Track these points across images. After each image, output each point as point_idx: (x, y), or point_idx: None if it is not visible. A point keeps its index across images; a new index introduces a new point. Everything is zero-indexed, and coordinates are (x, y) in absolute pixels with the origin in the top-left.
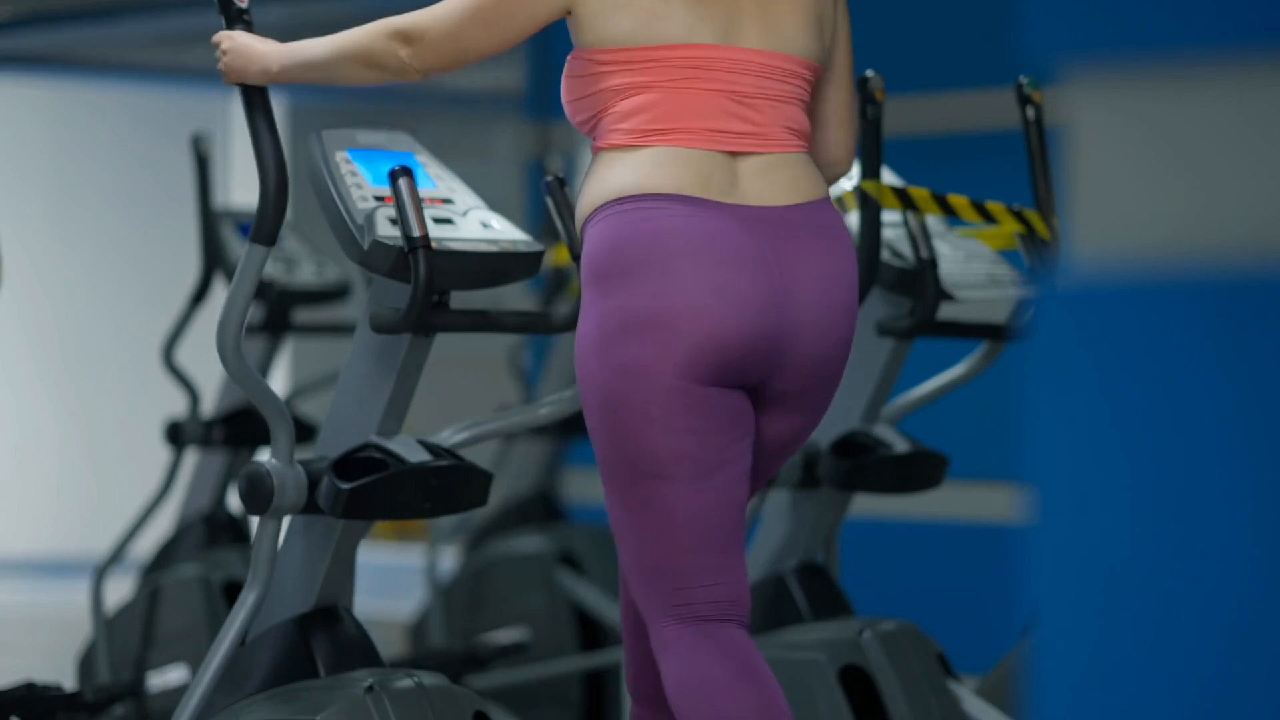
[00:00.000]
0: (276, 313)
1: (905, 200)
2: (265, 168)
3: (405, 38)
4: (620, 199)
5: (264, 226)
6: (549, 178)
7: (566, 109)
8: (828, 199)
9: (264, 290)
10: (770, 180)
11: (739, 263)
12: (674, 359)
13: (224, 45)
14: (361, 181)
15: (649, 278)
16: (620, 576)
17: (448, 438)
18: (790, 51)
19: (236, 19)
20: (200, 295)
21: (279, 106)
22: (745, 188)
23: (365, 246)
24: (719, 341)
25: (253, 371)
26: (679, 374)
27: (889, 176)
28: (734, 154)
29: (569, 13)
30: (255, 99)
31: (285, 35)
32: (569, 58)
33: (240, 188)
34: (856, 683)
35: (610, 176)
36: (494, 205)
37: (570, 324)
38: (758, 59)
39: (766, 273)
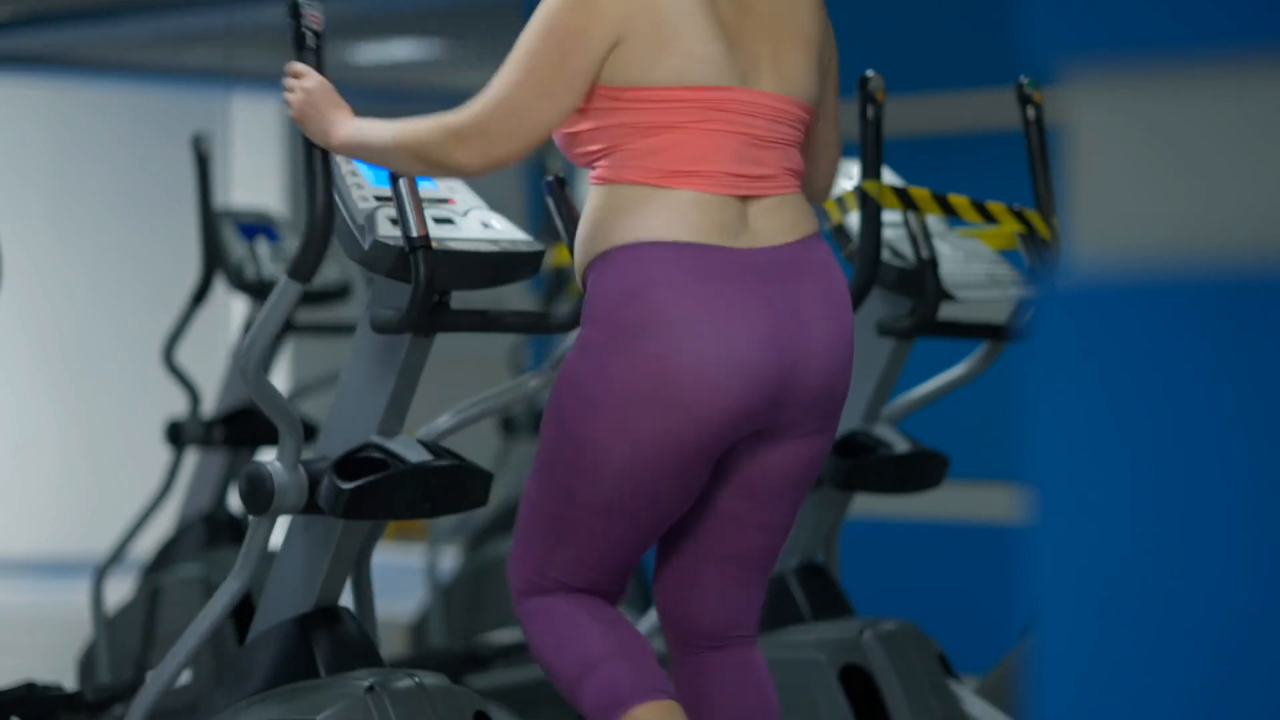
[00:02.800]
0: None
1: (906, 200)
2: (314, 207)
3: (460, 138)
4: (636, 244)
5: (304, 265)
6: (549, 178)
7: (568, 138)
8: (819, 233)
9: (265, 290)
10: (774, 220)
11: (753, 316)
12: (686, 436)
13: (301, 84)
14: (362, 181)
15: (665, 340)
16: (515, 603)
17: (443, 423)
18: (796, 95)
19: (308, 51)
20: (201, 295)
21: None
22: (754, 228)
23: (366, 246)
24: (728, 417)
25: (272, 388)
26: (690, 450)
27: (889, 176)
28: (744, 197)
29: (613, 48)
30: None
31: (285, 35)
32: None
33: (241, 188)
34: (857, 683)
35: (627, 218)
36: (494, 205)
37: (570, 324)
38: (769, 102)
39: (776, 319)
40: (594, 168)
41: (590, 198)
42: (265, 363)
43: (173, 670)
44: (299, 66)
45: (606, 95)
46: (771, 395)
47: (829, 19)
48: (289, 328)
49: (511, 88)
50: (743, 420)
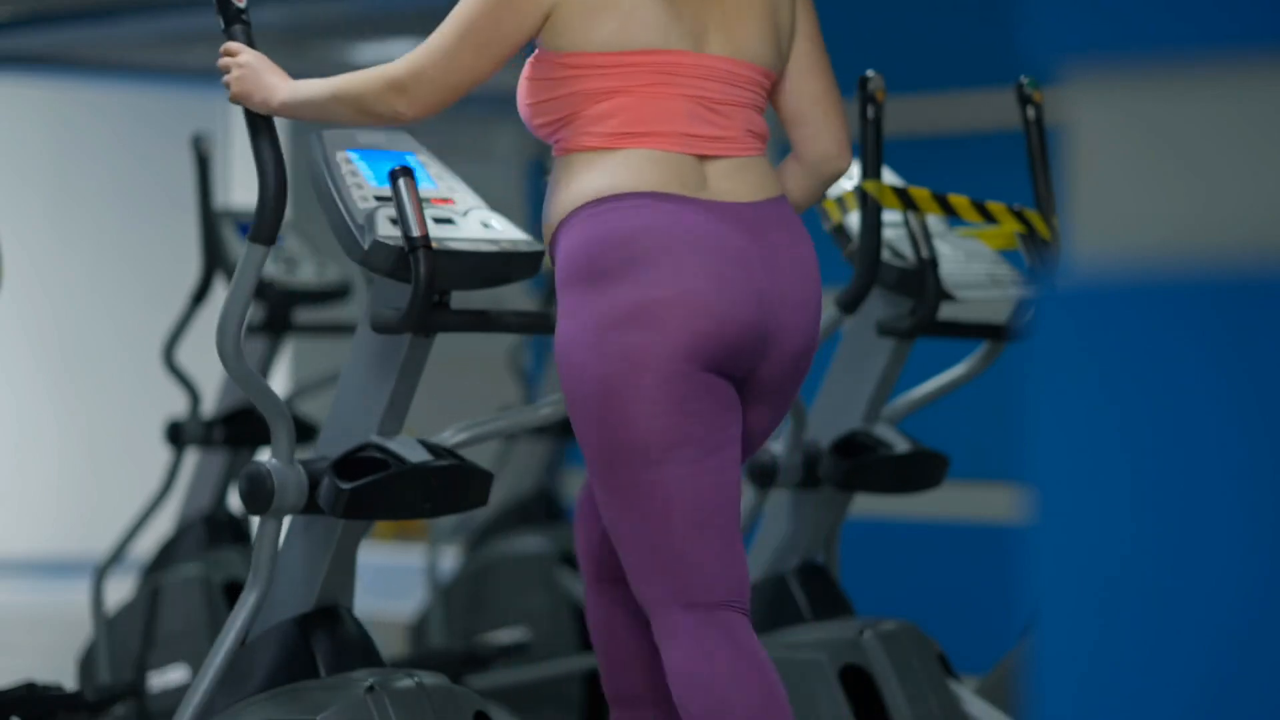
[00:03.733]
0: (277, 313)
1: (906, 200)
2: (264, 168)
3: (400, 87)
4: (600, 199)
5: (263, 226)
6: (549, 177)
7: (526, 110)
8: (785, 196)
9: (265, 290)
10: (737, 180)
11: (725, 253)
12: (675, 343)
13: (237, 60)
14: (362, 181)
15: (641, 268)
16: (584, 580)
17: (448, 438)
18: (750, 59)
19: (235, 20)
20: (201, 295)
21: None
22: (715, 187)
23: (366, 246)
24: (717, 327)
25: (252, 371)
26: (680, 357)
27: (889, 176)
28: (703, 157)
29: (547, 16)
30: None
31: (285, 34)
32: (532, 60)
33: (240, 188)
34: (857, 683)
35: (587, 178)
36: (494, 205)
37: None
38: (722, 65)
39: (750, 266)
40: (555, 140)
41: (556, 168)
42: (240, 339)
43: (206, 689)
44: (233, 45)
45: (555, 63)
46: (757, 330)
47: None
48: (287, 327)
49: (449, 43)
50: (731, 340)
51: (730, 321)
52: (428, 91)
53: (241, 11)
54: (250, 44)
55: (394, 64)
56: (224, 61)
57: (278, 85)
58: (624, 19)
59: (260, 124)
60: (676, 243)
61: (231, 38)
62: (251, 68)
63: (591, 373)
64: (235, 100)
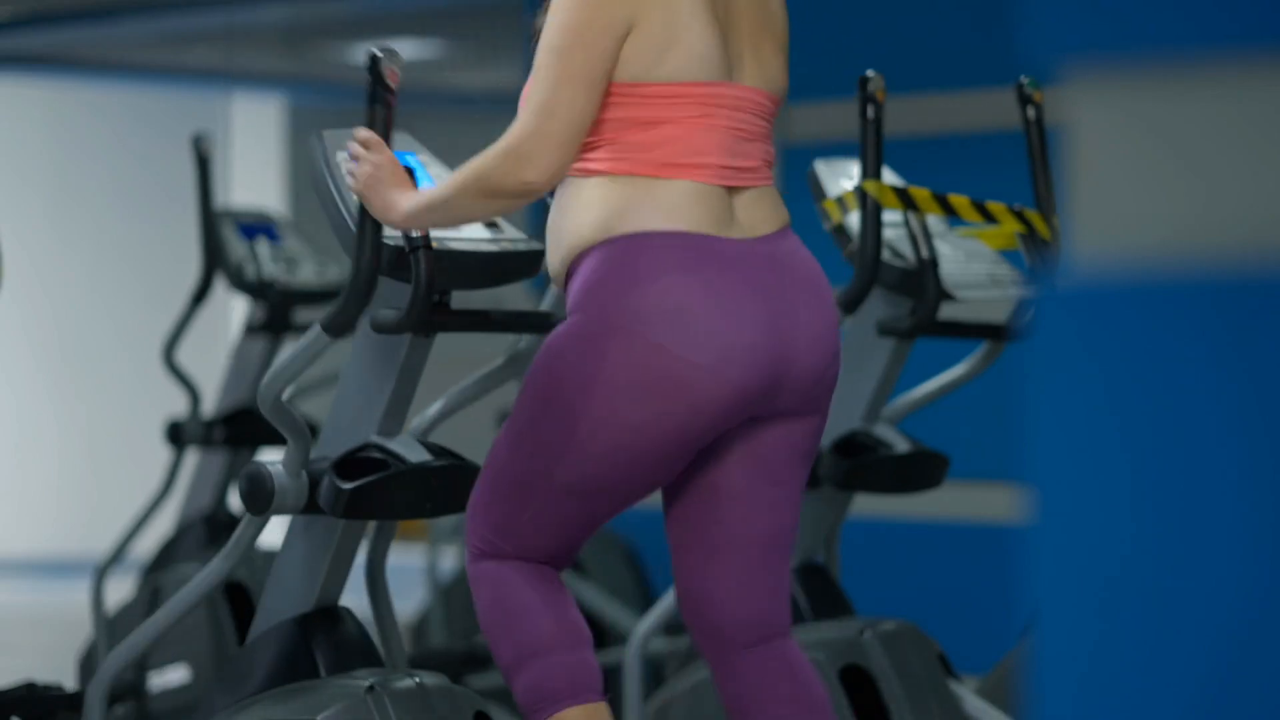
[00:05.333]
0: (277, 312)
1: (906, 200)
2: (359, 262)
3: (522, 156)
4: (644, 234)
5: (339, 319)
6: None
7: None
8: (790, 224)
9: (265, 290)
10: (756, 211)
11: (752, 305)
12: (679, 423)
13: (370, 158)
14: None
15: (668, 328)
16: (471, 567)
17: (429, 416)
18: (772, 89)
19: (378, 100)
20: (201, 295)
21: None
22: (741, 219)
23: None
24: (725, 406)
25: (288, 410)
26: (681, 439)
27: (890, 176)
28: (731, 188)
29: (625, 36)
30: None
31: (285, 35)
32: None
33: (240, 188)
34: (857, 683)
35: (622, 207)
36: None
37: None
38: (752, 96)
39: (771, 307)
40: (586, 159)
41: (576, 188)
42: (282, 395)
43: (132, 644)
44: (368, 135)
45: (612, 90)
46: (768, 383)
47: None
48: (287, 327)
49: (552, 89)
50: (737, 408)
51: (744, 392)
52: (551, 148)
53: (389, 92)
54: (387, 132)
55: (505, 137)
56: (355, 150)
57: (398, 203)
58: (690, 52)
59: (368, 229)
60: (700, 307)
61: (370, 117)
62: (382, 171)
63: (571, 397)
64: (355, 194)
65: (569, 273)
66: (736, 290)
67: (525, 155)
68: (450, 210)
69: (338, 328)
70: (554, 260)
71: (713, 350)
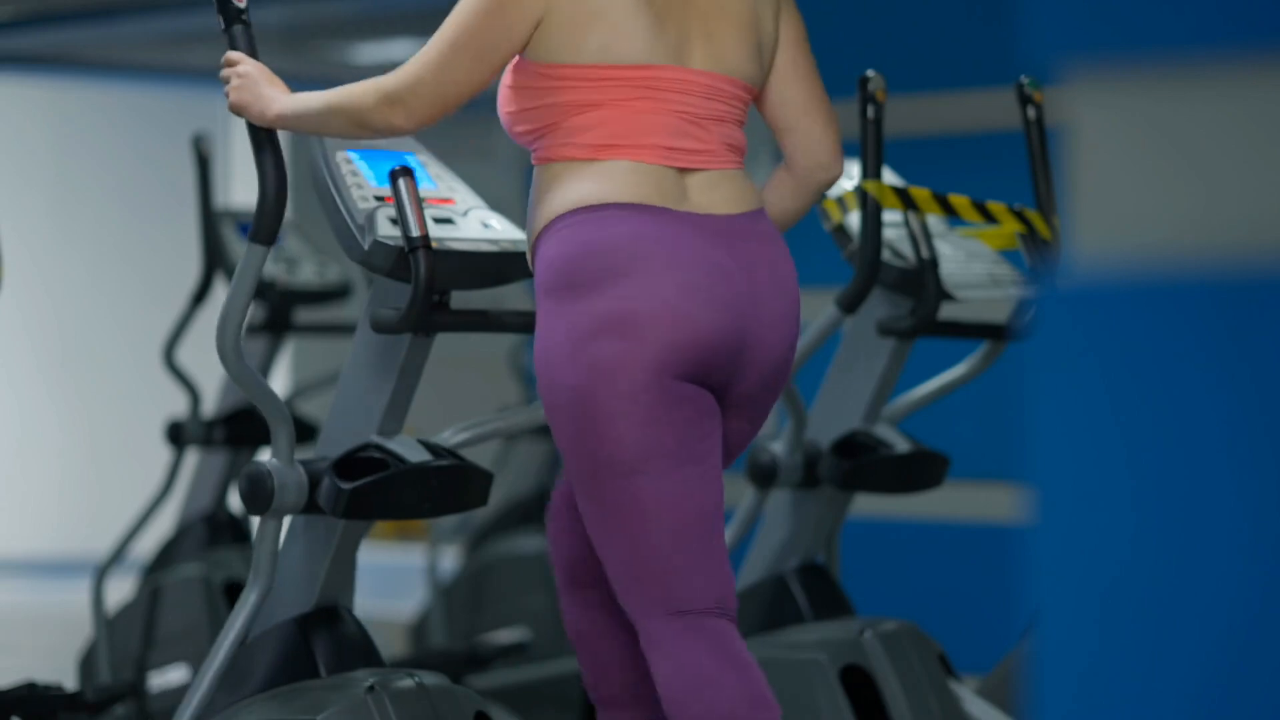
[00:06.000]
0: (278, 312)
1: (906, 200)
2: (263, 168)
3: (394, 100)
4: (580, 208)
5: (263, 226)
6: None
7: (507, 117)
8: (764, 210)
9: (265, 290)
10: (716, 193)
11: (703, 265)
12: (649, 354)
13: (236, 70)
14: (362, 181)
15: (620, 279)
16: (559, 587)
17: (448, 438)
18: (731, 73)
19: (234, 20)
20: (201, 295)
21: None
22: (695, 200)
23: (366, 246)
24: (692, 338)
25: (252, 371)
26: (654, 368)
27: (890, 176)
28: (683, 170)
29: (536, 26)
30: None
31: (285, 35)
32: (513, 68)
33: (241, 188)
34: (858, 683)
35: (568, 188)
36: (494, 205)
37: None
38: (704, 80)
39: (727, 278)
40: (534, 148)
41: (536, 176)
42: (240, 339)
43: (206, 690)
44: (233, 54)
45: (538, 73)
46: (733, 340)
47: None
48: (287, 327)
49: (442, 54)
50: (706, 350)
51: (706, 333)
52: (423, 104)
53: (241, 12)
54: (251, 47)
55: (388, 76)
56: (225, 72)
57: (275, 97)
58: (611, 33)
59: (261, 135)
60: (654, 255)
61: (231, 39)
62: (250, 78)
63: (567, 383)
64: (233, 110)
65: (534, 252)
66: (692, 252)
67: (398, 101)
68: (320, 125)
69: (265, 235)
70: (528, 254)
71: (670, 293)
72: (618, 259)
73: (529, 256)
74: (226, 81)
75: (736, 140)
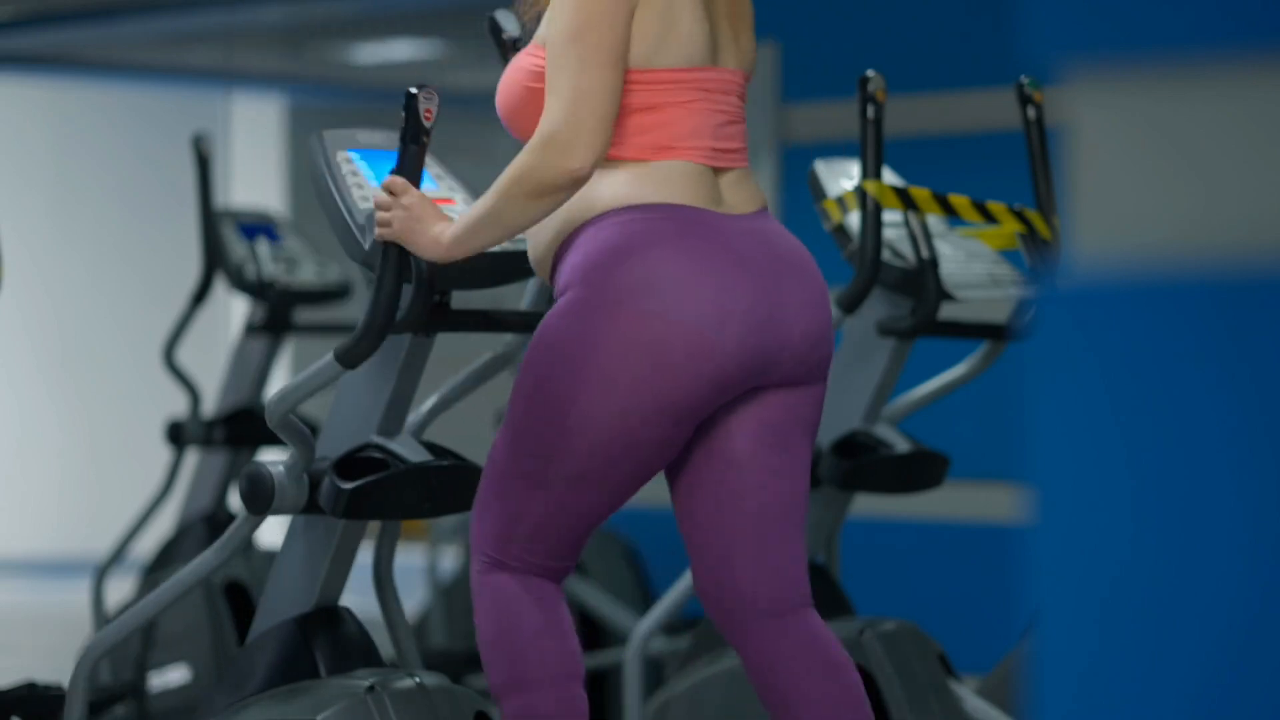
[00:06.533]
0: (278, 312)
1: (906, 200)
2: (378, 295)
3: (560, 145)
4: (635, 206)
5: (354, 351)
6: None
7: (527, 115)
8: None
9: (265, 290)
10: (740, 192)
11: (744, 277)
12: (669, 395)
13: (399, 203)
14: (362, 181)
15: (661, 297)
16: (477, 562)
17: (421, 415)
18: (747, 70)
19: (413, 140)
20: (201, 295)
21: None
22: (727, 199)
23: (366, 246)
24: (719, 377)
25: (295, 424)
26: (667, 409)
27: (890, 176)
28: (717, 170)
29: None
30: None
31: (285, 35)
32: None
33: (241, 188)
34: None
35: (623, 183)
36: None
37: None
38: (733, 79)
39: (762, 282)
40: None
41: None
42: (292, 411)
43: (118, 628)
44: (398, 182)
45: None
46: (762, 351)
47: None
48: (287, 327)
49: (578, 73)
50: (734, 376)
51: (730, 358)
52: (588, 132)
53: (424, 132)
54: (418, 171)
55: (539, 131)
56: (384, 199)
57: (441, 234)
58: (687, 39)
59: (391, 259)
60: (693, 268)
61: (401, 163)
62: (413, 217)
63: (564, 377)
64: (384, 240)
65: (557, 257)
66: (726, 260)
67: (564, 144)
68: (500, 220)
69: (351, 362)
70: (538, 247)
71: (704, 315)
72: (659, 272)
73: (549, 248)
74: (383, 210)
75: (746, 138)
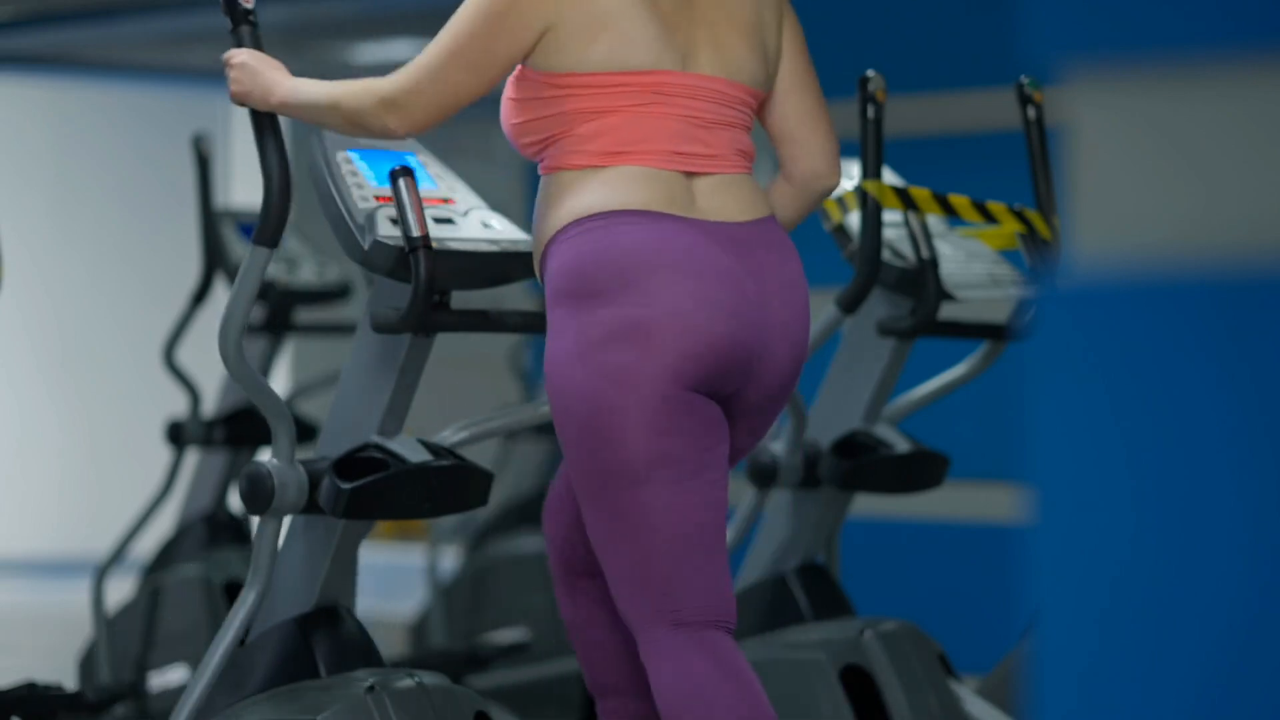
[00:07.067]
0: (278, 313)
1: (906, 200)
2: (268, 169)
3: (391, 104)
4: (590, 216)
5: (267, 228)
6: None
7: (512, 129)
8: (774, 216)
9: (265, 290)
10: (725, 198)
11: (715, 274)
12: (660, 364)
13: (234, 61)
14: (362, 181)
15: (632, 288)
16: (555, 577)
17: (448, 437)
18: (737, 78)
19: (241, 21)
20: (201, 295)
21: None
22: (703, 205)
23: (366, 246)
24: (704, 347)
25: (253, 371)
26: (665, 378)
27: (890, 176)
28: (690, 174)
29: (541, 36)
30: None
31: (285, 35)
32: (515, 79)
33: (241, 188)
34: (858, 683)
35: (577, 196)
36: (495, 205)
37: None
38: (710, 85)
39: (739, 284)
40: (541, 158)
41: (544, 185)
42: (241, 340)
43: (203, 689)
44: (234, 50)
45: (544, 83)
46: (744, 349)
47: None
48: (287, 327)
49: (441, 61)
50: (718, 358)
51: (718, 342)
52: (418, 109)
53: (249, 13)
54: (257, 47)
55: (387, 79)
56: (228, 70)
57: (278, 82)
58: (618, 40)
59: (265, 123)
60: (666, 262)
61: (237, 40)
62: (249, 67)
63: (577, 391)
64: (235, 100)
65: (543, 261)
66: (703, 260)
67: (394, 105)
68: (317, 115)
69: (268, 237)
70: (535, 257)
71: (684, 302)
72: (629, 267)
73: (536, 265)
74: (228, 76)
75: (745, 145)
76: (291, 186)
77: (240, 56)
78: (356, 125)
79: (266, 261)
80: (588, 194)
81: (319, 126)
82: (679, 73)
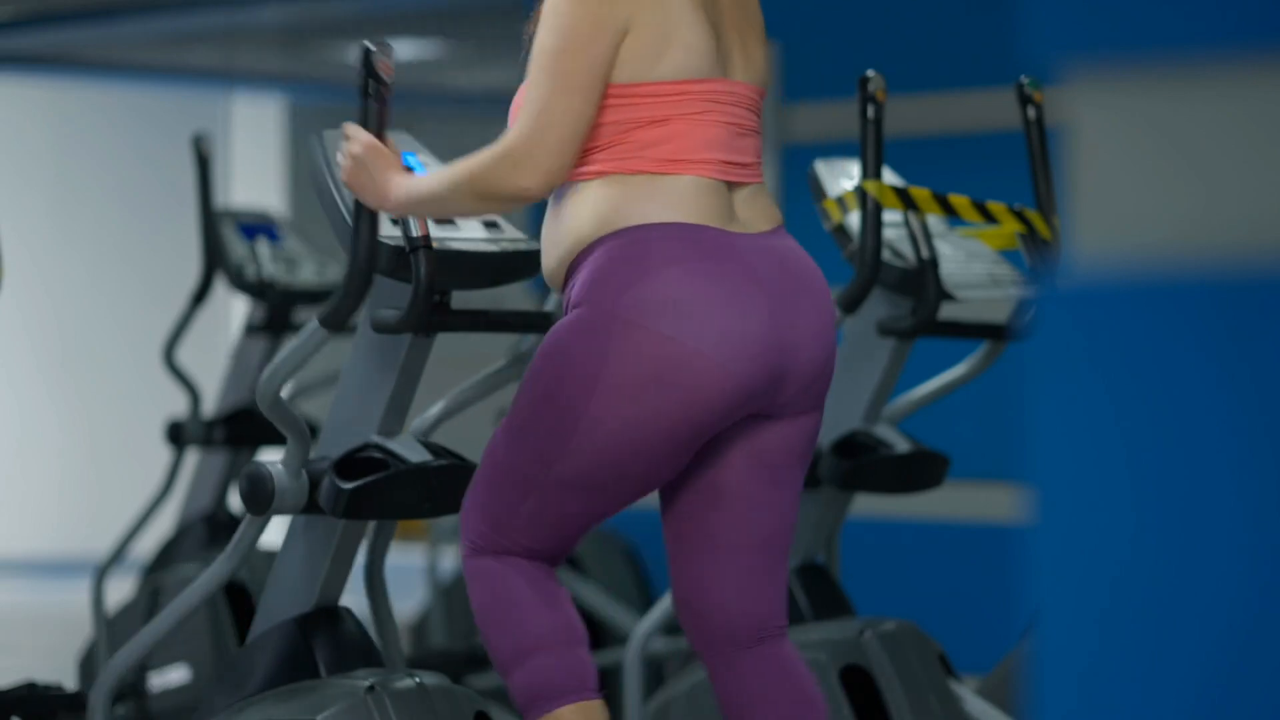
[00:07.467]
0: (278, 312)
1: (906, 200)
2: (355, 254)
3: (515, 161)
4: (650, 225)
5: (337, 313)
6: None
7: None
8: (783, 222)
9: (265, 290)
10: (754, 208)
11: (755, 297)
12: (678, 416)
13: (353, 150)
14: None
15: (674, 318)
16: (471, 547)
17: (428, 418)
18: (759, 83)
19: (369, 94)
20: (201, 295)
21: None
22: (740, 215)
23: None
24: (729, 399)
25: (288, 408)
26: (675, 430)
27: (890, 176)
28: (731, 184)
29: (622, 39)
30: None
31: (286, 35)
32: None
33: (241, 188)
34: (857, 682)
35: (638, 200)
36: None
37: None
38: (746, 91)
39: (773, 302)
40: (589, 163)
41: (576, 190)
42: (280, 391)
43: (134, 648)
44: (351, 129)
45: (611, 93)
46: (771, 376)
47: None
48: (287, 327)
49: (549, 95)
50: (742, 401)
51: (740, 380)
52: (544, 154)
53: (383, 86)
54: (380, 125)
55: (502, 140)
56: (345, 146)
57: (394, 184)
58: (687, 49)
59: (364, 222)
60: (707, 289)
61: (364, 112)
62: (365, 159)
63: (574, 390)
64: (346, 187)
65: (570, 271)
66: (740, 282)
67: (521, 160)
68: (443, 206)
69: (335, 322)
70: (550, 261)
71: (717, 340)
72: (673, 293)
73: (562, 263)
74: (340, 157)
75: (760, 152)
76: (374, 275)
77: (357, 148)
78: (487, 198)
79: (323, 342)
80: (644, 202)
81: (445, 216)
82: (725, 80)
